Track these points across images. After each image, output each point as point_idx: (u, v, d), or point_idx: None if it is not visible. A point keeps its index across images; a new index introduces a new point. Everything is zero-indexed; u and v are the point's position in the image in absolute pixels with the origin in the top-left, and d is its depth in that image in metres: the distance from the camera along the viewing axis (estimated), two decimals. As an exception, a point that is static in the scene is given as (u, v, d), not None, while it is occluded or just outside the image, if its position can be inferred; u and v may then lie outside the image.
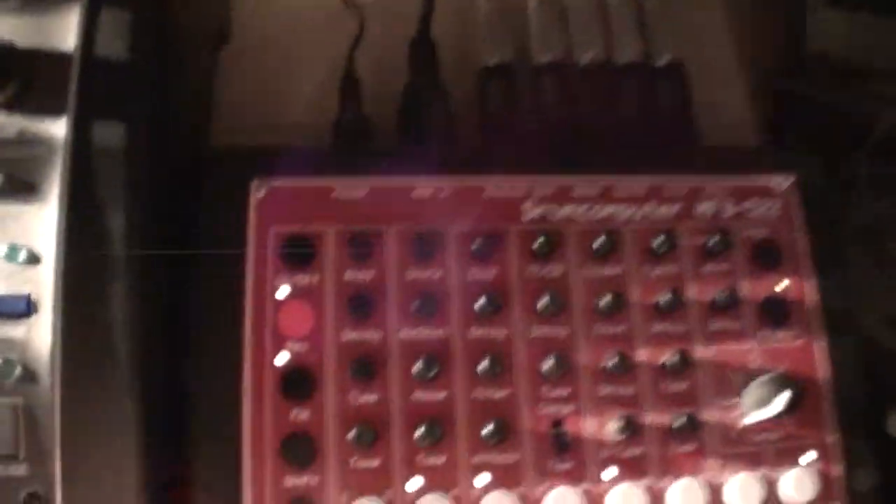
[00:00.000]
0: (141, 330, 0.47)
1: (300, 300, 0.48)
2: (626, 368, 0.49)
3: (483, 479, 0.47)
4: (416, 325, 0.49)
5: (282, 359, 0.48)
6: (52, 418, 0.46)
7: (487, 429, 0.47)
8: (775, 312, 0.52)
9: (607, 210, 0.52)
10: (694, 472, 0.49)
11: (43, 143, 0.48)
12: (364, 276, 0.49)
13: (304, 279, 0.49)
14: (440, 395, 0.48)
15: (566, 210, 0.51)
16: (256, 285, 0.48)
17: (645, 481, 0.48)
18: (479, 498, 0.47)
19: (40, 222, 0.47)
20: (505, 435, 0.47)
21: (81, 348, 0.47)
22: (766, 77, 0.67)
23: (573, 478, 0.48)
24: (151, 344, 0.47)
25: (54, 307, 0.46)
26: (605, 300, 0.49)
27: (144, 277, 0.48)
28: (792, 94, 0.64)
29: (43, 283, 0.47)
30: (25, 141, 0.48)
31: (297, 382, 0.48)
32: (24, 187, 0.47)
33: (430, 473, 0.47)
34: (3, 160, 0.48)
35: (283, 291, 0.48)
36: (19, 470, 0.45)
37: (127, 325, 0.47)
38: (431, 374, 0.47)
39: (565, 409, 0.49)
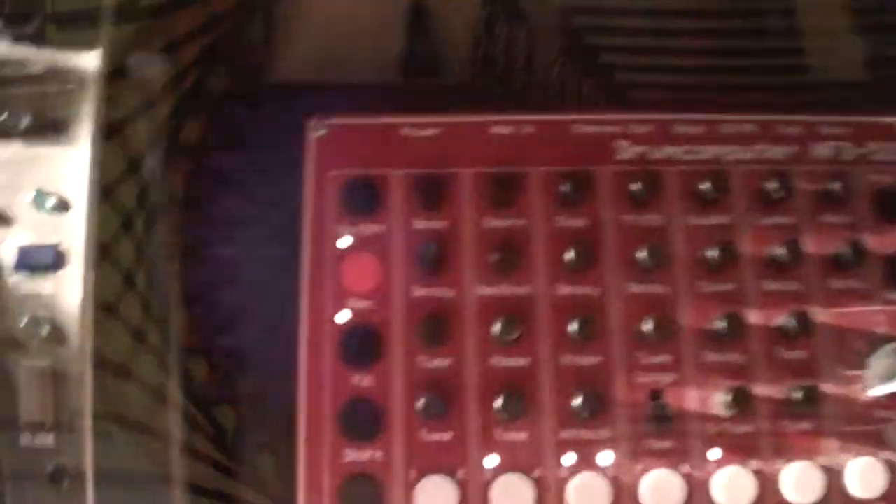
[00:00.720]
0: (181, 285, 0.41)
1: (364, 251, 0.41)
2: (736, 332, 0.41)
3: (570, 458, 0.40)
4: (495, 280, 0.42)
5: (343, 317, 0.40)
6: (81, 384, 0.39)
7: (576, 400, 0.40)
8: (905, 271, 0.43)
9: (712, 151, 0.43)
10: (810, 453, 0.41)
11: (73, 78, 0.41)
12: (436, 224, 0.42)
13: (368, 228, 0.42)
14: (522, 360, 0.41)
15: (666, 150, 0.43)
16: (315, 235, 0.41)
17: (755, 463, 0.41)
18: (565, 480, 0.40)
19: (70, 166, 0.41)
20: (596, 408, 0.40)
21: (114, 305, 0.40)
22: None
23: (673, 459, 0.41)
24: (193, 300, 0.40)
25: (85, 259, 0.39)
26: (712, 253, 0.41)
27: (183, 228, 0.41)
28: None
29: (72, 233, 0.40)
30: (54, 76, 0.42)
31: (360, 344, 0.41)
32: (52, 127, 0.41)
33: (510, 450, 0.41)
34: (30, 97, 0.42)
35: (345, 241, 0.41)
36: (46, 440, 0.39)
37: (166, 278, 0.40)
38: (512, 336, 0.40)
39: (665, 379, 0.41)
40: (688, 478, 0.40)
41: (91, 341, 0.40)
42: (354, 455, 0.40)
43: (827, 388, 0.42)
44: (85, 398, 0.40)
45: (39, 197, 0.40)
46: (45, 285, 0.40)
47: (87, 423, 0.40)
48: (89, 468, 0.40)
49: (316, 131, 0.42)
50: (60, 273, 0.40)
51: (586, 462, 0.40)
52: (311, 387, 0.40)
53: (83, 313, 0.40)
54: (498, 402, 0.40)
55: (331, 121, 0.43)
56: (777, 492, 0.41)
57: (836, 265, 0.43)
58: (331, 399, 0.40)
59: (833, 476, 0.41)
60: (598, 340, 0.41)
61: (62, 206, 0.40)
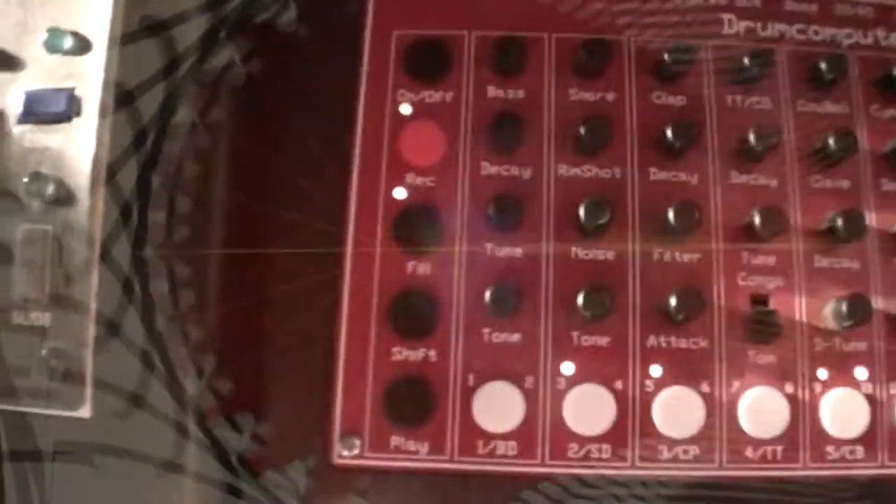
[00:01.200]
0: (211, 144, 0.34)
1: (428, 121, 0.34)
2: (852, 234, 0.34)
3: (657, 369, 0.33)
4: (579, 159, 0.35)
5: (400, 194, 0.34)
6: (88, 255, 0.33)
7: (670, 302, 0.33)
8: None
9: (828, 32, 0.37)
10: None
11: None
12: (513, 93, 0.36)
13: (434, 95, 0.35)
14: (608, 254, 0.34)
15: (778, 27, 0.37)
16: (372, 101, 0.35)
17: (868, 386, 0.34)
18: (652, 394, 0.33)
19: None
20: (691, 312, 0.33)
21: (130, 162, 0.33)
22: None
23: (777, 375, 0.34)
24: (222, 163, 0.34)
25: (101, 108, 0.33)
26: (827, 143, 0.35)
27: (218, 79, 0.34)
28: None
29: (89, 77, 0.33)
30: None
31: (419, 226, 0.34)
32: None
33: (589, 357, 0.34)
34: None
35: (405, 109, 0.35)
36: (42, 320, 0.32)
37: (193, 134, 0.34)
38: (598, 224, 0.34)
39: (771, 283, 0.35)
40: (792, 399, 0.34)
41: (102, 206, 0.33)
42: (405, 353, 0.33)
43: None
44: (91, 274, 0.33)
45: (54, 36, 0.33)
46: (53, 138, 0.33)
47: (92, 303, 0.33)
48: (90, 356, 0.33)
49: (379, -16, 0.36)
50: (72, 123, 0.33)
51: (676, 375, 0.34)
52: (357, 272, 0.34)
53: (95, 172, 0.33)
54: (580, 300, 0.33)
55: (396, -28, 0.36)
56: (892, 420, 0.34)
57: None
58: (380, 288, 0.34)
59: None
60: (696, 234, 0.35)
61: (80, 46, 0.34)
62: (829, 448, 0.34)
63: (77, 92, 0.34)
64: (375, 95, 0.35)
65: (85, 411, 0.33)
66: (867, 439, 0.34)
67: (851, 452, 0.34)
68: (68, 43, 0.34)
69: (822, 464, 0.34)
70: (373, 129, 0.35)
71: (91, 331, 0.33)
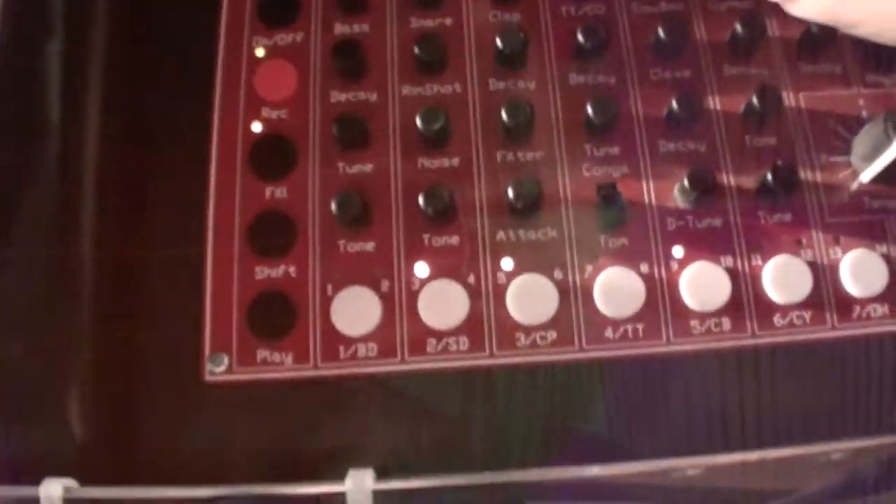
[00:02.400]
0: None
1: (280, 60, 0.36)
2: (693, 115, 0.33)
3: (508, 262, 0.33)
4: (421, 80, 0.35)
5: (256, 127, 0.35)
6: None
7: (514, 198, 0.33)
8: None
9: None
10: (794, 247, 0.33)
11: None
12: (358, 27, 0.37)
13: (285, 38, 0.36)
14: (453, 160, 0.34)
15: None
16: (229, 47, 0.37)
17: (727, 260, 0.33)
18: (505, 285, 0.33)
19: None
20: (537, 205, 0.33)
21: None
22: None
23: (631, 257, 0.33)
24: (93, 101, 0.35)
25: None
26: (660, 37, 0.35)
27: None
28: None
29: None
30: None
31: (274, 154, 0.34)
32: None
33: (441, 257, 0.33)
34: None
35: (260, 52, 0.36)
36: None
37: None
38: (434, 129, 0.34)
39: (616, 172, 0.34)
40: (648, 278, 0.33)
41: None
42: (267, 271, 0.33)
43: (807, 175, 0.34)
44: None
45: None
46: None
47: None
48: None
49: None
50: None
51: (528, 265, 0.33)
52: (220, 200, 0.34)
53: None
54: (426, 206, 0.33)
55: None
56: (758, 291, 0.33)
57: (804, 48, 0.36)
58: (241, 213, 0.34)
59: (822, 273, 0.33)
60: (536, 135, 0.34)
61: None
62: (694, 322, 0.32)
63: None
64: (232, 43, 0.36)
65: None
66: (731, 311, 0.32)
67: (717, 325, 0.32)
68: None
69: (686, 338, 0.32)
70: (230, 72, 0.36)
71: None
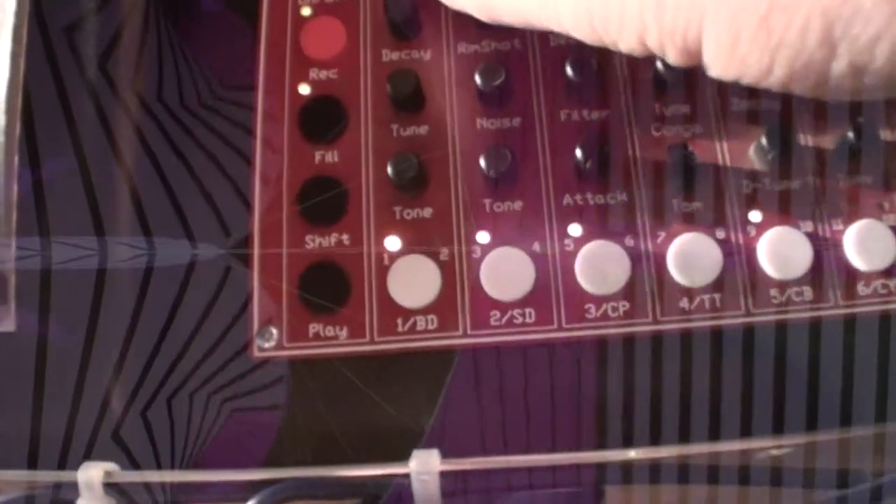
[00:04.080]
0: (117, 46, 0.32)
1: (328, 16, 0.32)
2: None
3: (576, 228, 0.29)
4: (478, 36, 0.31)
5: (305, 89, 0.31)
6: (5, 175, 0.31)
7: (581, 158, 0.29)
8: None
9: None
10: (875, 212, 0.29)
11: None
12: (410, -16, 0.32)
13: None
14: (514, 120, 0.30)
15: None
16: (274, 6, 0.32)
17: (806, 224, 0.29)
18: (572, 253, 0.29)
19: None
20: (607, 167, 0.29)
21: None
22: None
23: (706, 222, 0.29)
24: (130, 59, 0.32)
25: (14, 34, 0.31)
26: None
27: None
28: None
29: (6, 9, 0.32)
30: None
31: (324, 117, 0.31)
32: None
33: (504, 223, 0.29)
34: None
35: (306, 11, 0.32)
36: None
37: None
38: (493, 85, 0.30)
39: (688, 132, 0.30)
40: (725, 243, 0.29)
41: (18, 127, 0.31)
42: (318, 240, 0.30)
43: (888, 134, 0.30)
44: (10, 191, 0.31)
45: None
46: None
47: (13, 217, 0.31)
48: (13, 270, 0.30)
49: None
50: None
51: (597, 231, 0.29)
52: (266, 166, 0.30)
53: (11, 92, 0.31)
54: (481, 161, 0.29)
55: None
56: (839, 257, 0.29)
57: None
58: (290, 179, 0.30)
59: (910, 241, 0.29)
60: (603, 92, 0.31)
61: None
62: (773, 291, 0.29)
63: (-11, 21, 0.32)
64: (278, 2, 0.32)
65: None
66: (814, 278, 0.29)
67: (798, 294, 0.29)
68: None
69: (766, 308, 0.29)
70: (276, 32, 0.32)
71: (13, 247, 0.30)
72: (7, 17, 0.32)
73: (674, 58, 0.20)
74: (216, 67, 0.33)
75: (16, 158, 0.31)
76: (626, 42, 0.21)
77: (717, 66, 0.20)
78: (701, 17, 0.18)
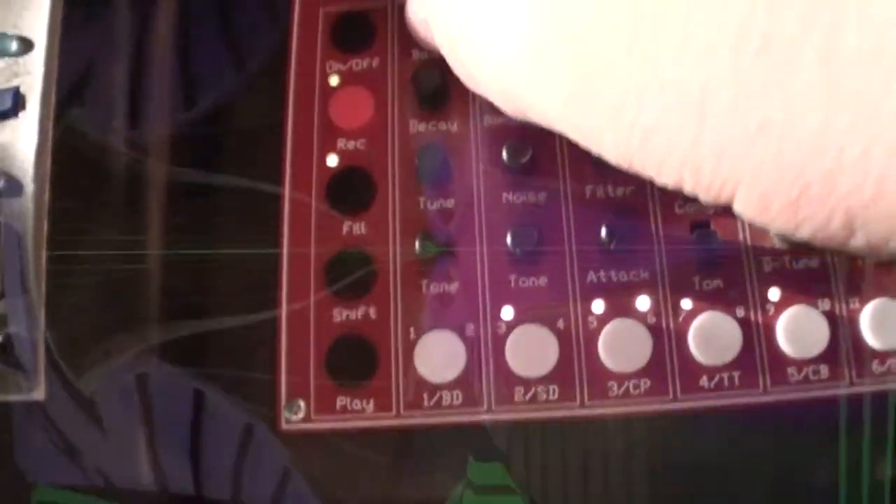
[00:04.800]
0: (149, 130, 0.32)
1: (356, 86, 0.32)
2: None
3: (599, 304, 0.29)
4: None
5: (333, 160, 0.31)
6: (37, 241, 0.30)
7: (606, 238, 0.29)
8: None
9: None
10: (892, 292, 0.29)
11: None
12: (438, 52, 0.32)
13: (360, 63, 0.32)
14: (539, 196, 0.30)
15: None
16: (302, 74, 0.32)
17: (826, 303, 0.29)
18: (596, 330, 0.29)
19: (35, 6, 0.32)
20: (629, 240, 0.29)
21: (72, 152, 0.31)
22: None
23: (725, 300, 0.29)
24: (161, 147, 0.31)
25: (43, 102, 0.31)
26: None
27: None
28: None
29: (34, 74, 0.31)
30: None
31: (352, 187, 0.31)
32: None
33: (528, 299, 0.30)
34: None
35: (334, 80, 0.32)
36: (-1, 307, 0.30)
37: (134, 123, 0.31)
38: (521, 162, 0.30)
39: (709, 210, 0.30)
40: (744, 322, 0.29)
41: (48, 194, 0.31)
42: (345, 313, 0.30)
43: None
44: (40, 257, 0.31)
45: (0, 41, 0.32)
46: (1, 135, 0.31)
47: (41, 286, 0.31)
48: (41, 338, 0.30)
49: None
50: (18, 119, 0.31)
51: (619, 308, 0.29)
52: (295, 237, 0.30)
53: (40, 161, 0.31)
54: (508, 238, 0.29)
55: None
56: (856, 336, 0.29)
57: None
58: (317, 251, 0.31)
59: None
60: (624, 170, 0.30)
61: (24, 47, 0.32)
62: (791, 370, 0.29)
63: (22, 89, 0.32)
64: (305, 69, 0.32)
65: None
66: (830, 357, 0.29)
67: (815, 372, 0.29)
68: (14, 47, 0.32)
69: (784, 386, 0.29)
70: (304, 100, 0.32)
71: (42, 315, 0.30)
72: (35, 81, 0.32)
73: (704, 201, 0.21)
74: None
75: (45, 224, 0.31)
76: (662, 182, 0.21)
77: (746, 216, 0.20)
78: (736, 184, 0.18)
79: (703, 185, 0.18)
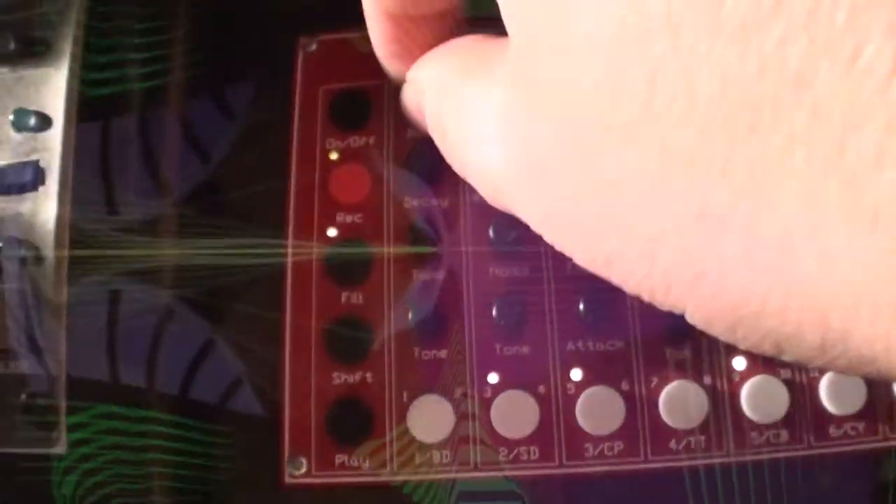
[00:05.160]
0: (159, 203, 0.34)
1: (354, 163, 0.34)
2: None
3: (577, 372, 0.31)
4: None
5: (332, 232, 0.33)
6: (58, 307, 0.33)
7: (581, 307, 0.31)
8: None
9: None
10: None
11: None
12: (431, 132, 0.34)
13: (358, 140, 0.34)
14: (523, 269, 0.32)
15: None
16: (303, 151, 0.34)
17: (786, 372, 0.32)
18: (574, 396, 0.31)
19: (52, 84, 0.34)
20: (608, 316, 0.31)
21: (92, 221, 0.33)
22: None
23: (694, 370, 0.32)
24: (170, 214, 0.33)
25: (62, 175, 0.33)
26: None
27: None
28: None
29: (53, 149, 0.33)
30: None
31: (350, 259, 0.33)
32: (36, 50, 0.34)
33: (512, 366, 0.32)
34: (16, 21, 0.35)
35: (334, 155, 0.34)
36: (20, 367, 0.32)
37: (147, 200, 0.33)
38: (513, 240, 0.32)
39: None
40: (711, 390, 0.32)
41: (67, 262, 0.33)
42: (343, 377, 0.32)
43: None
44: (61, 322, 0.33)
45: (20, 116, 0.34)
46: (22, 206, 0.33)
47: (63, 348, 0.33)
48: (63, 398, 0.32)
49: (307, 47, 0.35)
50: (38, 192, 0.33)
51: (596, 376, 0.32)
52: (296, 306, 0.33)
53: (60, 231, 0.33)
54: (493, 311, 0.31)
55: (321, 36, 0.35)
56: (814, 402, 0.32)
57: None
58: (318, 319, 0.33)
59: (876, 385, 0.32)
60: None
61: (43, 123, 0.34)
62: (753, 434, 0.32)
63: (41, 164, 0.34)
64: (306, 146, 0.34)
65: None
66: (789, 422, 0.32)
67: (776, 436, 0.31)
68: (33, 121, 0.34)
69: (745, 448, 0.31)
70: (305, 176, 0.34)
71: (64, 375, 0.33)
72: (53, 157, 0.34)
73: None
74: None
75: (64, 291, 0.33)
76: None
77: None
78: (683, 310, 0.20)
79: (657, 303, 0.21)
